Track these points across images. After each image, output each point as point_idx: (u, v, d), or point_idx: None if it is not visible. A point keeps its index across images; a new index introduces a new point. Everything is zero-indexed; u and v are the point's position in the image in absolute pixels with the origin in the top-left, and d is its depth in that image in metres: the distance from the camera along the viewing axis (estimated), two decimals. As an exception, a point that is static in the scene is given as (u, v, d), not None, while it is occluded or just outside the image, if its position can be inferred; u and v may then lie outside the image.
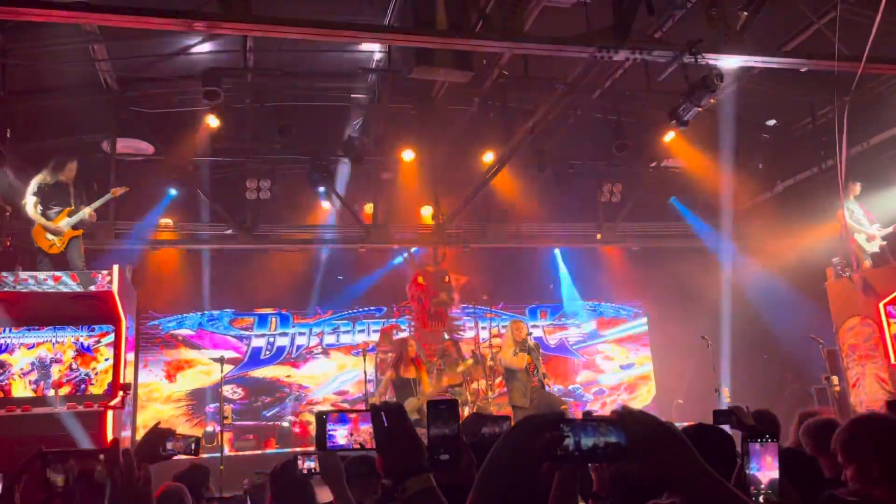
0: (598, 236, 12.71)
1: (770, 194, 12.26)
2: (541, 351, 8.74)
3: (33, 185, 7.60)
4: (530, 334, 8.56)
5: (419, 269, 12.91)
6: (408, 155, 11.52)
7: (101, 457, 1.28)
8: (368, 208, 12.03)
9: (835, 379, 9.42)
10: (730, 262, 12.55)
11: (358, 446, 1.75)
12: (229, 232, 11.37)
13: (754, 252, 12.51)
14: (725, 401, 8.60)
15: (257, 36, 8.02)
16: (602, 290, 13.80)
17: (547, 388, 8.77)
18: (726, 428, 3.56)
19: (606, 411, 10.89)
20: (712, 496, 1.06)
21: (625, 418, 1.10)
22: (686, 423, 3.31)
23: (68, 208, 7.59)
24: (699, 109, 7.33)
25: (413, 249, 12.95)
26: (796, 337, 10.87)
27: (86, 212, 7.62)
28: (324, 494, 3.79)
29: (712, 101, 7.29)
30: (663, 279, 12.87)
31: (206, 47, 9.23)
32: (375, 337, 12.73)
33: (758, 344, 12.17)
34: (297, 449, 9.87)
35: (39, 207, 7.51)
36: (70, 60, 9.15)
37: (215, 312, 12.34)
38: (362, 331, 12.87)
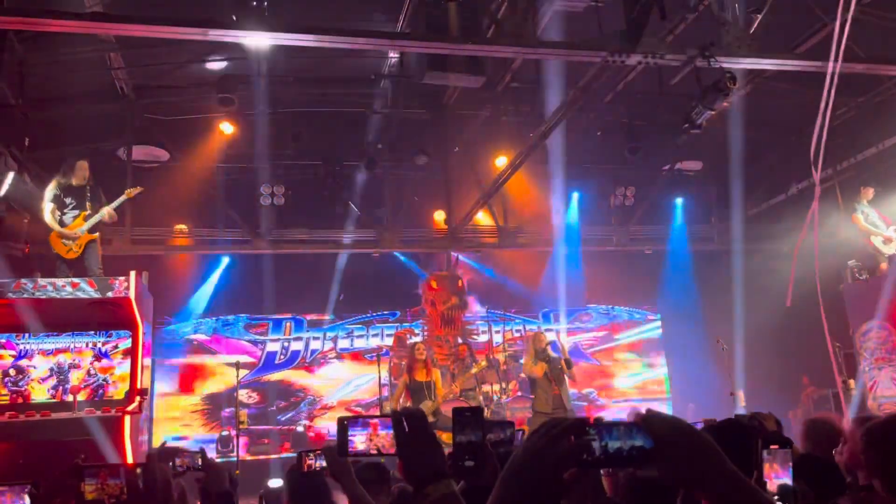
0: (613, 239, 12.70)
1: (784, 196, 12.20)
2: (562, 361, 8.87)
3: (49, 191, 7.67)
4: (549, 344, 8.74)
5: (432, 273, 12.94)
6: (421, 160, 11.55)
7: (139, 471, 1.31)
8: (382, 213, 12.08)
9: (851, 382, 9.37)
10: (744, 264, 12.48)
11: (376, 451, 1.77)
12: (244, 238, 11.45)
13: (769, 254, 12.44)
14: (741, 405, 8.56)
15: (271, 44, 8.07)
16: (615, 293, 13.76)
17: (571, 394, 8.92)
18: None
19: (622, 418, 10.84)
20: (743, 500, 1.05)
21: (651, 421, 1.09)
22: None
23: (84, 212, 7.66)
24: (712, 112, 7.31)
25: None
26: (813, 340, 10.78)
27: (104, 212, 7.68)
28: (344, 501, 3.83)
29: (725, 104, 7.26)
30: (677, 282, 12.82)
31: (221, 55, 9.31)
32: (389, 341, 12.77)
33: (773, 347, 12.09)
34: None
35: (57, 213, 7.58)
36: (87, 69, 9.26)
37: (230, 317, 12.42)
38: (376, 335, 12.91)
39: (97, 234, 7.80)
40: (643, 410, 1.16)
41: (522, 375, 10.86)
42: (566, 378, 8.74)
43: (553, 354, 8.78)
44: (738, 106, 9.96)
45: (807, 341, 11.12)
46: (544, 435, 1.10)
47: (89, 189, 7.81)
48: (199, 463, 3.55)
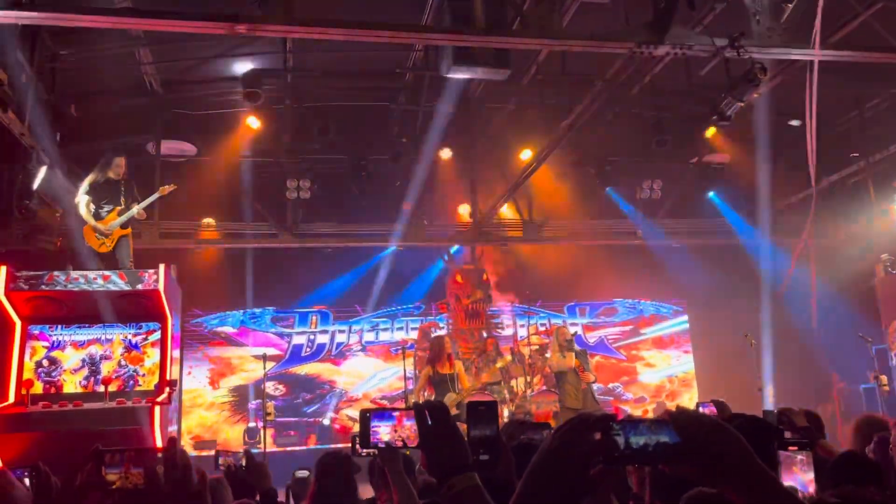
0: (638, 233, 12.58)
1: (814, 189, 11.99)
2: (588, 356, 8.86)
3: (85, 184, 7.76)
4: (575, 334, 8.70)
5: (457, 267, 12.94)
6: (446, 153, 11.55)
7: (160, 456, 1.32)
8: (407, 207, 12.09)
9: (884, 378, 9.20)
10: (772, 258, 12.31)
11: (401, 443, 1.78)
12: (270, 231, 11.55)
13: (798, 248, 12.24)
14: (769, 400, 8.46)
15: (297, 37, 8.11)
16: (642, 287, 13.65)
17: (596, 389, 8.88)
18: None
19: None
20: (769, 496, 1.05)
21: (678, 417, 1.09)
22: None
23: (118, 207, 7.75)
24: (742, 104, 7.20)
25: (453, 250, 12.96)
26: (843, 335, 10.63)
27: (135, 210, 7.79)
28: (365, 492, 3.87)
29: (755, 95, 7.15)
30: (704, 276, 12.68)
31: (247, 49, 9.37)
32: (414, 335, 12.80)
33: (802, 342, 11.91)
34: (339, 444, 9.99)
35: (92, 206, 7.68)
36: (117, 64, 9.38)
37: (257, 310, 12.53)
38: (401, 328, 12.95)
39: (129, 229, 7.91)
40: (672, 407, 1.16)
41: (548, 370, 10.85)
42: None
43: (578, 349, 8.72)
44: (767, 97, 9.81)
45: (836, 337, 10.96)
46: (570, 430, 1.10)
47: (124, 185, 7.91)
48: (244, 462, 3.60)
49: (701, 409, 4.36)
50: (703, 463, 1.06)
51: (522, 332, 13.21)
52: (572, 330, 9.25)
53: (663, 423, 1.08)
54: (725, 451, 1.06)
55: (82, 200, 7.66)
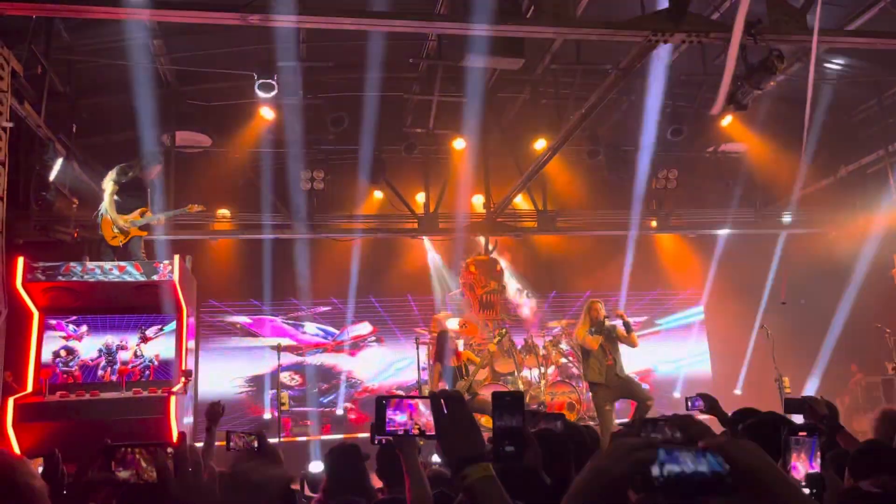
0: (653, 223, 12.49)
1: (833, 179, 11.86)
2: (617, 330, 8.46)
3: (114, 173, 7.71)
4: (607, 317, 8.32)
5: (471, 257, 12.91)
6: (459, 144, 11.51)
7: (169, 451, 1.32)
8: (420, 198, 12.08)
9: (903, 369, 9.12)
10: (790, 249, 12.20)
11: (418, 431, 1.77)
12: (285, 222, 11.56)
13: (816, 239, 12.14)
14: (786, 391, 8.38)
15: (310, 28, 8.09)
16: (657, 278, 13.57)
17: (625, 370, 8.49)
18: (798, 418, 3.49)
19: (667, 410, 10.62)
20: None
21: (729, 448, 1.07)
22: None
23: (143, 208, 7.73)
24: (758, 92, 7.11)
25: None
26: (861, 326, 10.53)
27: (157, 217, 7.79)
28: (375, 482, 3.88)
29: (772, 83, 7.05)
30: (720, 267, 12.59)
31: (261, 39, 9.37)
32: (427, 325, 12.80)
33: (820, 333, 11.82)
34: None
35: (116, 197, 7.66)
36: (131, 57, 9.40)
37: (272, 301, 12.56)
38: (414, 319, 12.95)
39: (146, 232, 7.90)
40: (708, 426, 1.15)
41: (570, 345, 10.82)
42: (619, 346, 8.34)
43: (608, 323, 8.38)
44: (785, 86, 9.70)
45: (855, 328, 10.86)
46: (608, 455, 1.10)
47: (150, 188, 7.91)
48: (256, 446, 3.60)
49: (690, 404, 4.38)
50: (751, 497, 1.05)
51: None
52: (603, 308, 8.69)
53: (707, 451, 1.06)
54: (773, 485, 1.05)
55: (108, 188, 7.63)
